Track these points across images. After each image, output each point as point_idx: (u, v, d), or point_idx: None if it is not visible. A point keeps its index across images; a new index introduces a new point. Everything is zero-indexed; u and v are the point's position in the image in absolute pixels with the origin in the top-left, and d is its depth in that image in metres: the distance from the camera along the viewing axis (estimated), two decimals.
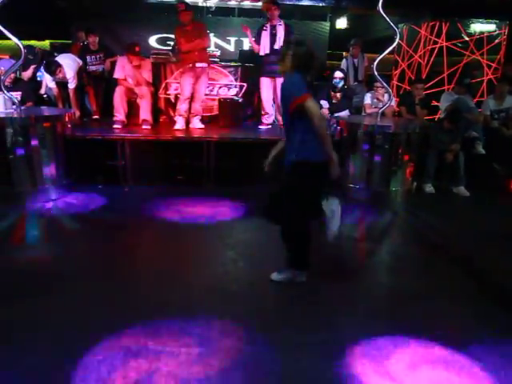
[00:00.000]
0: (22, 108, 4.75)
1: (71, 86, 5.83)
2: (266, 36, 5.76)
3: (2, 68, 5.05)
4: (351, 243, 3.81)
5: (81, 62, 6.04)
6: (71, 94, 5.88)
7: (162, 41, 9.40)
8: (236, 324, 2.51)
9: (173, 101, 6.53)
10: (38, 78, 6.03)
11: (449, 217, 4.53)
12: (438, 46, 7.37)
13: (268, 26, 5.80)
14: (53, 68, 5.65)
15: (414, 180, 5.15)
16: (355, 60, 7.09)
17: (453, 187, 5.33)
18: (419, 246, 3.82)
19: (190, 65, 5.65)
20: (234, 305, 2.73)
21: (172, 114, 6.42)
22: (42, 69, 5.88)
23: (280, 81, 5.90)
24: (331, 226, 2.82)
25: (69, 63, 5.83)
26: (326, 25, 9.89)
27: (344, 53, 9.49)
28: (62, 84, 5.83)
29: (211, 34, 8.53)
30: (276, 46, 5.74)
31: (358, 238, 3.97)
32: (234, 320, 2.55)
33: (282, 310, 2.74)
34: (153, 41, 9.48)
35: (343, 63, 7.24)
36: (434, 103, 6.66)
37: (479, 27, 7.32)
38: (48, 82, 5.83)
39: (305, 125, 2.55)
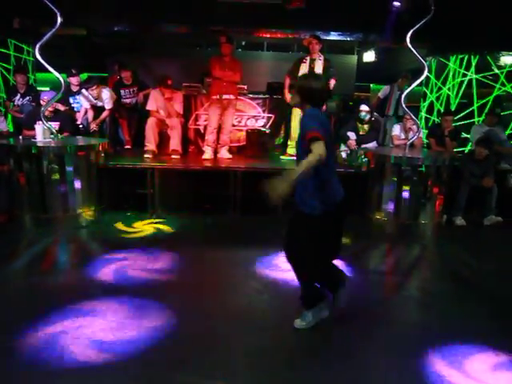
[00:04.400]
0: (59, 137, 4.98)
1: (107, 106, 6.09)
2: (304, 68, 5.87)
3: (46, 98, 5.31)
4: (378, 277, 3.72)
5: (115, 96, 6.30)
6: (106, 114, 6.10)
7: None
8: (258, 357, 2.47)
9: (202, 131, 6.69)
10: (75, 109, 6.29)
11: (480, 251, 4.38)
12: (467, 78, 7.33)
13: (307, 58, 5.92)
14: (90, 84, 5.92)
15: (443, 213, 5.04)
16: (398, 92, 6.99)
17: (484, 219, 5.19)
18: (449, 281, 3.70)
19: (218, 96, 5.83)
20: (257, 337, 2.69)
21: (201, 144, 6.57)
22: (79, 98, 6.16)
23: None
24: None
25: (106, 88, 6.11)
26: (354, 58, 10.04)
27: (371, 85, 9.54)
28: (98, 109, 6.09)
29: None
30: None
31: (385, 272, 3.88)
32: (257, 353, 2.51)
33: (306, 345, 2.66)
34: None
35: (384, 89, 7.18)
36: (464, 135, 6.57)
37: (509, 60, 7.25)
38: (83, 102, 6.08)
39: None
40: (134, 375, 2.28)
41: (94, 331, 2.64)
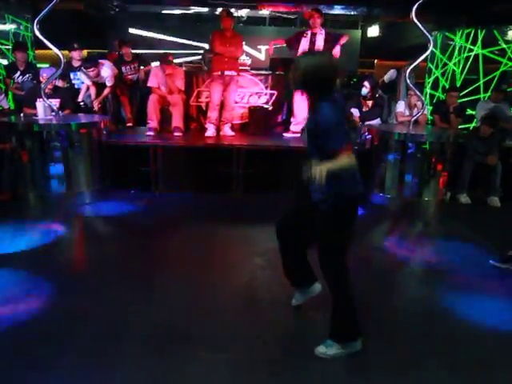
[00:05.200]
0: (61, 115, 4.94)
1: (109, 83, 6.02)
2: (305, 43, 5.75)
3: (45, 75, 5.25)
4: (381, 254, 3.74)
5: (116, 70, 6.22)
6: (108, 91, 6.07)
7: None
8: (258, 331, 2.50)
9: (204, 109, 6.63)
10: (76, 86, 6.22)
11: (483, 228, 4.37)
12: (473, 53, 7.20)
13: (309, 33, 5.79)
14: (89, 64, 5.87)
15: (447, 190, 5.03)
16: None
17: (487, 197, 5.17)
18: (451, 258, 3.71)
19: (219, 73, 5.76)
20: (259, 311, 2.72)
21: (203, 121, 6.52)
22: (79, 75, 6.08)
23: None
24: None
25: (106, 65, 6.05)
26: (358, 33, 9.86)
27: (376, 60, 9.37)
28: (100, 85, 6.05)
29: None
30: None
31: (388, 248, 3.89)
32: (258, 326, 2.55)
33: (306, 319, 2.69)
34: None
35: (390, 73, 7.04)
36: (469, 112, 6.50)
37: None
38: (84, 79, 6.03)
39: None
40: (135, 340, 2.32)
41: None
